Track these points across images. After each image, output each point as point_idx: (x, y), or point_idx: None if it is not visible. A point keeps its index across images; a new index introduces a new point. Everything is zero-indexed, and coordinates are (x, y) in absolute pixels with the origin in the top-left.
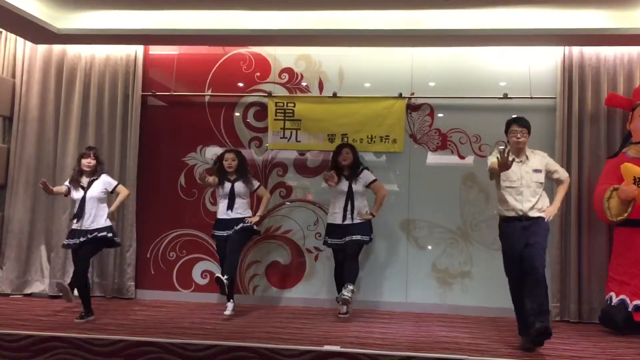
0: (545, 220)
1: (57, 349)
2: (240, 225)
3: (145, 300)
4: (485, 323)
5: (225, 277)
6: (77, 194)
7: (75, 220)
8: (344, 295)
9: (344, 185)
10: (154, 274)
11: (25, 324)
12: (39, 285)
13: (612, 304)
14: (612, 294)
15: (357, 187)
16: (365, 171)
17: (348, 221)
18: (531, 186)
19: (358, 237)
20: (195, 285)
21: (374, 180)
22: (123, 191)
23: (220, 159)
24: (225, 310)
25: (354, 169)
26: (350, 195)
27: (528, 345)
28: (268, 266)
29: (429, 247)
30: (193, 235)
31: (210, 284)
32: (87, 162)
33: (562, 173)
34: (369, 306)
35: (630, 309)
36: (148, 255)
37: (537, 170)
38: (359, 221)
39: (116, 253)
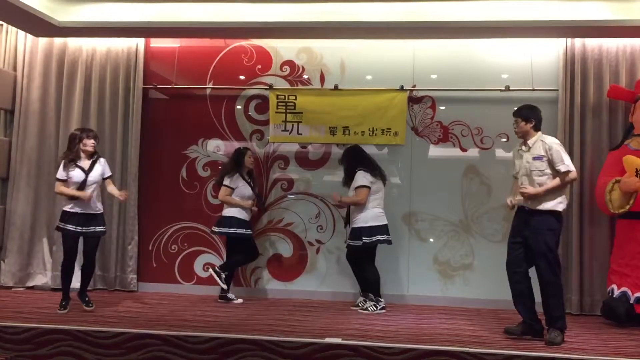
0: (523, 195)
1: (59, 341)
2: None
3: (147, 293)
4: (486, 315)
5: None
6: (76, 176)
7: (73, 204)
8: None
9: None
10: (156, 267)
11: (28, 316)
12: (42, 278)
13: (614, 296)
14: (614, 286)
15: (349, 192)
16: (357, 173)
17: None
18: (529, 175)
19: (348, 241)
20: (197, 278)
21: (357, 187)
22: (111, 184)
23: (242, 154)
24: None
25: (347, 174)
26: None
27: (514, 330)
28: (270, 259)
29: (431, 240)
30: (195, 228)
31: (212, 277)
32: (92, 143)
33: (561, 166)
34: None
35: (632, 301)
36: (150, 248)
37: (537, 158)
38: (353, 227)
39: (118, 246)
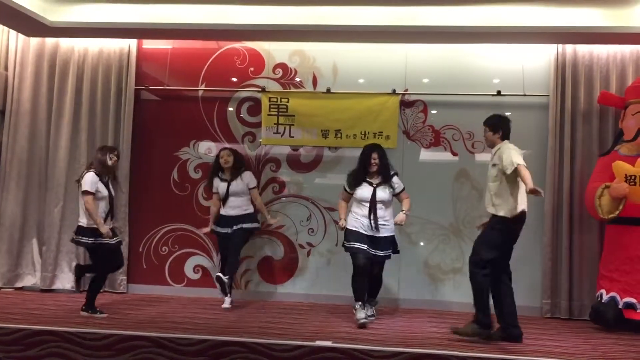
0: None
1: (48, 342)
2: (240, 225)
3: (137, 295)
4: None
5: (227, 277)
6: (105, 191)
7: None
8: (367, 318)
9: (367, 191)
10: (146, 269)
11: (17, 317)
12: (31, 279)
13: (603, 300)
14: (603, 291)
15: (384, 194)
16: (395, 177)
17: (375, 233)
18: (488, 182)
19: (386, 253)
20: (187, 280)
21: (403, 189)
22: None
23: (216, 156)
24: (223, 304)
25: (383, 175)
26: (373, 204)
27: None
28: (260, 261)
29: (421, 244)
30: (185, 230)
31: (202, 279)
32: (113, 157)
33: (505, 162)
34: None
35: (620, 306)
36: (140, 250)
37: (494, 165)
38: (386, 234)
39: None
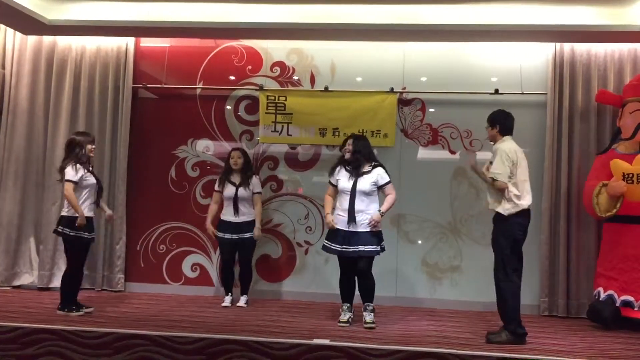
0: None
1: (45, 341)
2: (250, 234)
3: (134, 293)
4: (474, 317)
5: (244, 295)
6: (92, 179)
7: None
8: (367, 323)
9: (348, 183)
10: (144, 267)
11: (14, 315)
12: (28, 278)
13: (600, 299)
14: (600, 289)
15: (363, 186)
16: (378, 169)
17: (352, 227)
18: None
19: (364, 248)
20: (185, 278)
21: (388, 183)
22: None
23: (227, 157)
24: (239, 302)
25: (360, 165)
26: (352, 196)
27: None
28: (258, 260)
29: (419, 242)
30: (183, 228)
31: (200, 277)
32: (92, 148)
33: (491, 170)
34: (358, 300)
35: (618, 304)
36: (138, 248)
37: (491, 163)
38: (364, 230)
39: (106, 246)
